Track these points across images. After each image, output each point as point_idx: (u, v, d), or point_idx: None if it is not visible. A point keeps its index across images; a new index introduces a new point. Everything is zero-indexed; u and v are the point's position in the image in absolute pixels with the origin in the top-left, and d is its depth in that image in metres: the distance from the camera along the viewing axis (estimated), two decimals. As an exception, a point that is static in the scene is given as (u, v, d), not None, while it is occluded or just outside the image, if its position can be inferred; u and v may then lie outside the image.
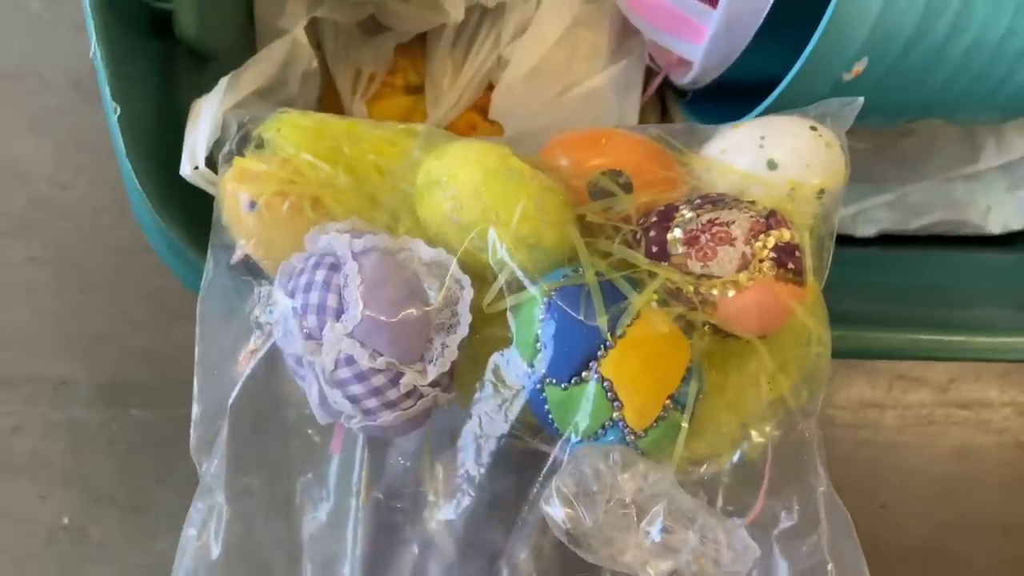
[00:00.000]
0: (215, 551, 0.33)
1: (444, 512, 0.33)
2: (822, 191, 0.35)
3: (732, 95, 0.47)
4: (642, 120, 0.54)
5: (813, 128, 0.36)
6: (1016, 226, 0.58)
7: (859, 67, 0.43)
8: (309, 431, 0.35)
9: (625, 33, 0.53)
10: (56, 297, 0.63)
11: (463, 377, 0.34)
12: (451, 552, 0.33)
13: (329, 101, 0.51)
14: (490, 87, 0.52)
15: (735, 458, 0.32)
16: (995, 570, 0.66)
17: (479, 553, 0.33)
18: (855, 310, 0.47)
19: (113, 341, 0.63)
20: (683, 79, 0.51)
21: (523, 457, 0.33)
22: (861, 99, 0.38)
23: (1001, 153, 0.57)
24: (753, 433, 0.32)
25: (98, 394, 0.63)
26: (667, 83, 0.54)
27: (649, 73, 0.54)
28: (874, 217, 0.58)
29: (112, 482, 0.63)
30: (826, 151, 0.35)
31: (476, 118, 0.52)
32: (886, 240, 0.59)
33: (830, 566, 0.31)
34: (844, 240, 0.58)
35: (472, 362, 0.33)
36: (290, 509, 0.34)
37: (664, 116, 0.56)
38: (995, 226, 0.58)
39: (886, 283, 0.55)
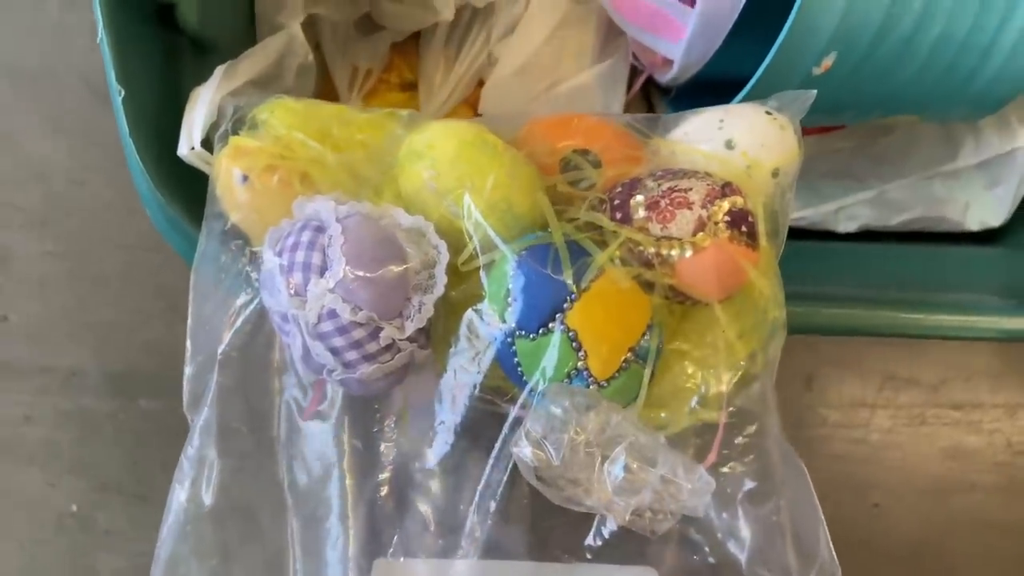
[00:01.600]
0: (206, 502, 0.35)
1: (422, 461, 0.35)
2: (777, 170, 0.37)
3: (714, 92, 0.49)
4: (627, 117, 0.56)
5: (768, 112, 0.38)
6: (994, 223, 0.59)
7: (828, 61, 0.45)
8: (292, 392, 0.37)
9: (611, 33, 0.55)
10: (68, 290, 0.65)
11: (439, 342, 0.36)
12: (429, 499, 0.35)
13: (326, 97, 0.53)
14: (480, 83, 0.54)
15: (695, 421, 0.34)
16: (987, 570, 0.66)
17: (455, 500, 0.34)
18: (833, 295, 0.49)
19: (122, 333, 0.65)
20: (665, 77, 0.53)
21: (493, 418, 0.35)
22: (814, 91, 0.40)
23: (979, 151, 0.58)
24: (711, 389, 0.34)
25: (107, 385, 0.65)
26: (652, 81, 0.56)
27: (634, 72, 0.56)
28: (855, 213, 0.60)
29: (120, 471, 0.64)
30: (780, 133, 0.37)
31: (467, 113, 0.54)
32: (867, 236, 0.60)
33: (782, 502, 0.33)
34: (825, 235, 0.60)
35: (447, 329, 0.35)
36: (276, 463, 0.36)
37: (650, 113, 0.58)
38: (973, 223, 0.60)
39: (866, 275, 0.57)
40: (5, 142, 0.66)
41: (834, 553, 0.35)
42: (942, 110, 0.51)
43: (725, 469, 0.34)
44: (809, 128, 0.58)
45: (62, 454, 0.64)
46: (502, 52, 0.53)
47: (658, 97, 0.57)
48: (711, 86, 0.52)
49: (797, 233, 0.60)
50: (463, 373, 0.34)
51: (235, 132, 0.38)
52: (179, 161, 0.40)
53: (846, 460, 0.67)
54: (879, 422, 0.67)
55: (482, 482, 0.33)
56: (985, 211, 0.60)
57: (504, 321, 0.33)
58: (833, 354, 0.67)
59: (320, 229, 0.34)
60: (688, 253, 0.33)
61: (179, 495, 0.35)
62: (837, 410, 0.67)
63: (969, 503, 0.66)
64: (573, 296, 0.33)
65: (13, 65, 0.67)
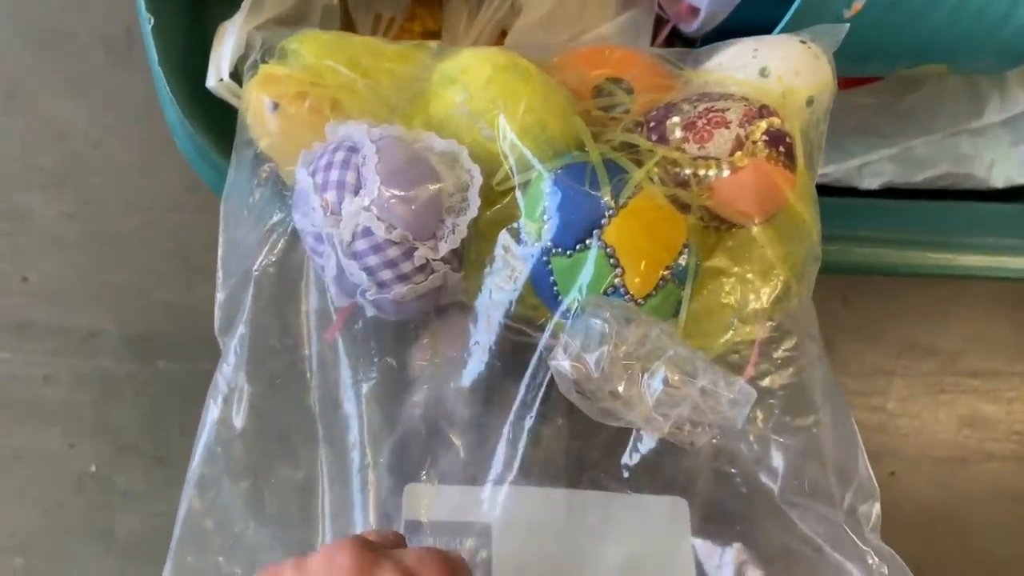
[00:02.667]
0: (237, 424, 0.35)
1: (456, 382, 0.34)
2: (811, 99, 0.36)
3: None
4: (651, 68, 0.56)
5: (803, 42, 0.38)
6: (1019, 180, 0.59)
7: (859, 3, 0.45)
8: (319, 317, 0.36)
9: (635, -17, 0.55)
10: (86, 251, 0.65)
11: (472, 266, 0.36)
12: (462, 425, 0.35)
13: (351, 44, 0.53)
14: (503, 33, 0.54)
15: (734, 339, 0.34)
16: (1003, 539, 0.66)
17: (489, 425, 0.34)
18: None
19: (141, 295, 0.65)
20: (690, 27, 0.53)
21: (526, 348, 0.34)
22: (847, 25, 0.39)
23: (1004, 108, 0.58)
24: (750, 306, 0.33)
25: (126, 346, 0.65)
26: (676, 33, 0.56)
27: (659, 22, 0.55)
28: (879, 170, 0.59)
29: (138, 432, 0.64)
30: (814, 61, 0.37)
31: (491, 63, 0.54)
32: (891, 193, 0.60)
33: (820, 418, 0.32)
34: (849, 192, 0.60)
35: (479, 253, 0.35)
36: (307, 388, 0.36)
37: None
38: (998, 180, 0.59)
39: (890, 230, 0.56)
40: (24, 102, 0.66)
41: (872, 473, 0.34)
42: (970, 59, 0.51)
43: (764, 382, 0.34)
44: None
45: (81, 415, 0.64)
46: (526, 1, 0.52)
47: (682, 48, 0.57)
48: (737, 35, 0.51)
49: (820, 189, 0.59)
50: (498, 292, 0.34)
51: (264, 61, 0.38)
52: (207, 95, 0.40)
53: (863, 428, 0.65)
54: (897, 390, 0.67)
55: (517, 400, 0.32)
56: (1011, 168, 0.59)
57: (540, 239, 0.33)
58: (852, 323, 0.67)
59: (353, 149, 0.33)
60: (726, 172, 0.33)
61: (212, 413, 0.35)
62: (856, 378, 0.67)
63: (986, 472, 0.66)
64: (611, 212, 0.33)
65: (32, 26, 0.67)
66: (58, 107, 0.66)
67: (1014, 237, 0.54)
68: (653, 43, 0.55)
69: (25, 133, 0.66)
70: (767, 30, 0.45)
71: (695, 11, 0.52)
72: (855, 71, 0.54)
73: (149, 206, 0.66)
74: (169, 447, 0.64)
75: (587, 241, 0.33)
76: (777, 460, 0.34)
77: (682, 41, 0.57)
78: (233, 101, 0.39)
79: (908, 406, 0.67)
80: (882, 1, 0.45)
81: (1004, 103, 0.58)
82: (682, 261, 0.33)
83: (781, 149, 0.33)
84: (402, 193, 0.32)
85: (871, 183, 0.60)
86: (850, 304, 0.67)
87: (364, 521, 0.35)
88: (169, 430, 0.64)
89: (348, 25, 0.53)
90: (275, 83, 0.36)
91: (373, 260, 0.33)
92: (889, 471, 0.66)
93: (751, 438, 0.34)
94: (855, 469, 0.34)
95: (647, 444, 0.32)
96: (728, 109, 0.33)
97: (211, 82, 0.39)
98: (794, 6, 0.44)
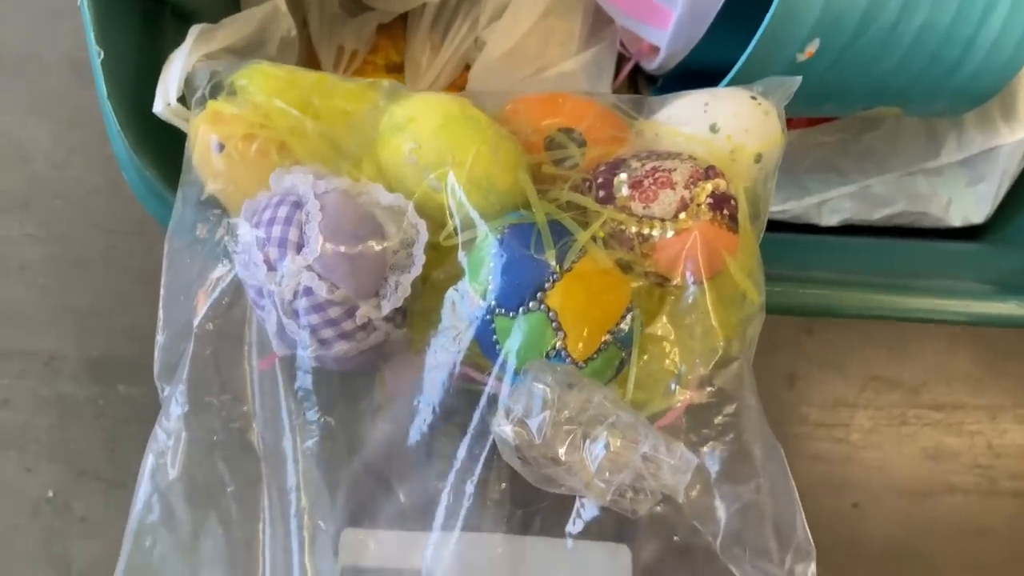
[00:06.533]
0: (172, 473, 0.34)
1: (401, 440, 0.34)
2: (760, 155, 0.36)
3: (701, 81, 0.49)
4: (614, 105, 0.56)
5: (753, 98, 0.38)
6: (976, 219, 0.59)
7: (812, 48, 0.45)
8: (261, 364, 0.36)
9: (598, 20, 0.55)
10: (49, 274, 0.65)
11: (418, 320, 0.35)
12: (405, 480, 0.34)
13: (312, 77, 0.52)
14: (467, 68, 0.54)
15: (673, 403, 0.34)
16: (967, 571, 0.66)
17: (431, 481, 0.34)
18: (814, 278, 0.49)
19: (103, 318, 0.65)
20: (651, 65, 0.53)
21: (472, 397, 0.34)
22: (799, 77, 0.39)
23: (961, 148, 0.58)
24: (689, 372, 0.33)
25: (87, 370, 0.64)
26: (639, 70, 0.56)
27: (622, 59, 0.56)
28: (838, 207, 0.60)
29: (97, 457, 0.64)
30: (764, 118, 0.37)
31: (453, 97, 0.54)
32: (850, 230, 0.60)
33: (760, 483, 0.33)
34: (809, 228, 0.60)
35: (425, 307, 0.35)
36: (248, 437, 0.36)
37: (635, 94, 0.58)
38: (956, 219, 0.60)
39: (849, 267, 0.57)
40: (-12, 124, 0.66)
41: (809, 534, 0.34)
42: (925, 103, 0.51)
43: (705, 448, 0.34)
44: (794, 121, 0.58)
45: (40, 439, 0.64)
46: (489, 37, 0.53)
47: (645, 85, 0.57)
48: (698, 74, 0.51)
49: (781, 226, 0.60)
50: (443, 352, 0.33)
51: (213, 97, 0.37)
52: (158, 126, 0.39)
53: (826, 459, 0.67)
54: (860, 422, 0.67)
55: (458, 462, 0.32)
56: (967, 207, 0.60)
57: (484, 299, 0.33)
58: (816, 354, 0.67)
59: (298, 204, 0.33)
60: (669, 233, 0.33)
61: (150, 463, 0.35)
62: (819, 409, 0.67)
63: (949, 505, 0.66)
64: (555, 276, 0.33)
65: (-2, 48, 0.66)
66: (22, 129, 0.66)
67: (969, 279, 0.55)
68: (616, 79, 0.56)
69: (-12, 155, 0.66)
70: (727, 68, 0.46)
71: (656, 49, 0.52)
72: (810, 112, 0.55)
73: (114, 229, 0.66)
74: (129, 472, 0.63)
75: (530, 304, 0.33)
76: (719, 519, 0.34)
77: (646, 78, 0.57)
78: (182, 126, 0.38)
79: (871, 438, 0.67)
80: (835, 46, 0.45)
81: (961, 144, 0.58)
82: (624, 326, 0.33)
83: (725, 212, 0.33)
84: (345, 252, 0.32)
85: (830, 220, 0.60)
86: (815, 335, 0.67)
87: (300, 565, 0.35)
88: (129, 455, 0.64)
89: (311, 57, 0.53)
90: (222, 123, 0.36)
91: (314, 319, 0.33)
92: (852, 503, 0.66)
93: (692, 498, 0.34)
94: (793, 529, 0.34)
95: (590, 511, 0.32)
96: (674, 169, 0.34)
97: (158, 107, 0.39)
98: (747, 51, 0.44)
